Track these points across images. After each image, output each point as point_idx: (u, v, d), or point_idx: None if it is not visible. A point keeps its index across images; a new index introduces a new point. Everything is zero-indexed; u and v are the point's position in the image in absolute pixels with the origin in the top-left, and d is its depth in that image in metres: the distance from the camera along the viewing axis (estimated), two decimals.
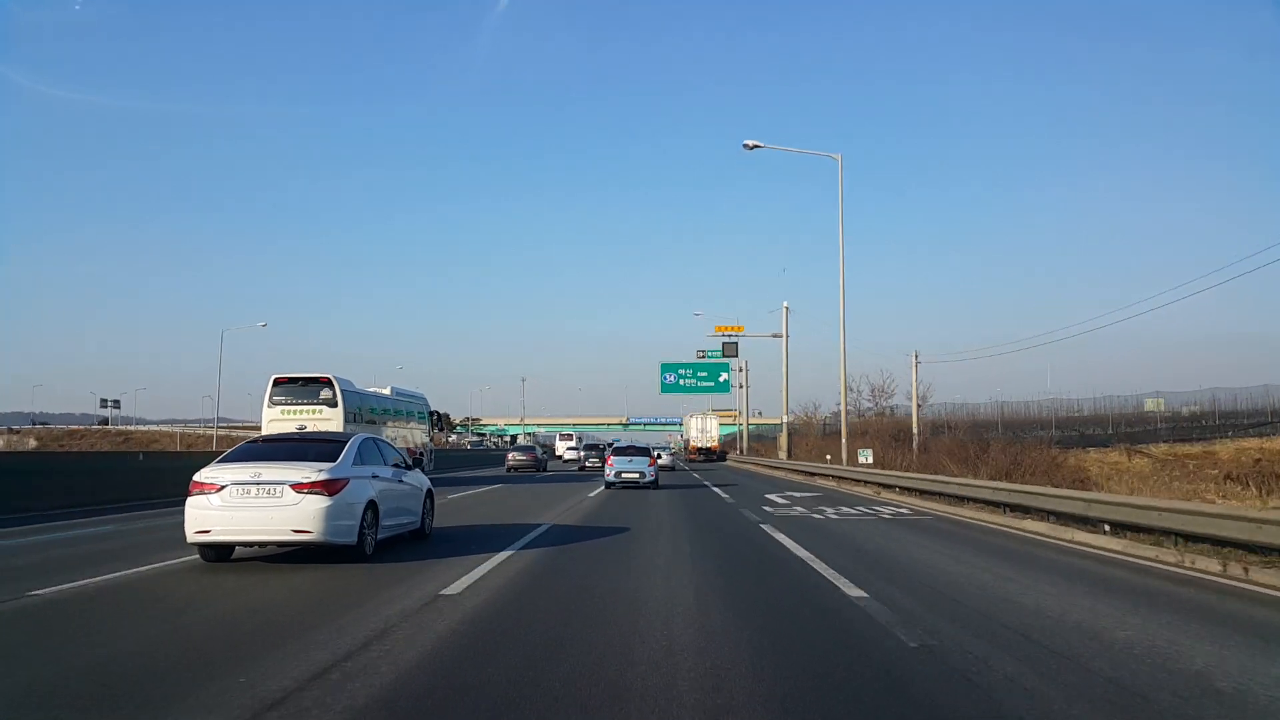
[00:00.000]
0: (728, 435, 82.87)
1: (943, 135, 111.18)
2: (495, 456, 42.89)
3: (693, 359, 50.53)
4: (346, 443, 7.23)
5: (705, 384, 51.30)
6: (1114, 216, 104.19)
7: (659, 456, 23.77)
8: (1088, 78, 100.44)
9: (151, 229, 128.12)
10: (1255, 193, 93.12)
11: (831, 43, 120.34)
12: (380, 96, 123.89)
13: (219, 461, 6.89)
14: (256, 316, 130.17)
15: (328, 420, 17.63)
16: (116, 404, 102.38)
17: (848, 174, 27.53)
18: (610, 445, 44.70)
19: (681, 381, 51.01)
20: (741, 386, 51.96)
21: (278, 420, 17.81)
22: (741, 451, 50.93)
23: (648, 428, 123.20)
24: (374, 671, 3.64)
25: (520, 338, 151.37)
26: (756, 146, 25.69)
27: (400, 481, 7.93)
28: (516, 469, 31.65)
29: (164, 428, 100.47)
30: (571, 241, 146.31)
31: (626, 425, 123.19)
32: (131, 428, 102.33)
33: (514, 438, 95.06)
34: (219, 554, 6.89)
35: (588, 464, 34.64)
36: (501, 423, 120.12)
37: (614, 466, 19.02)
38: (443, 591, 5.62)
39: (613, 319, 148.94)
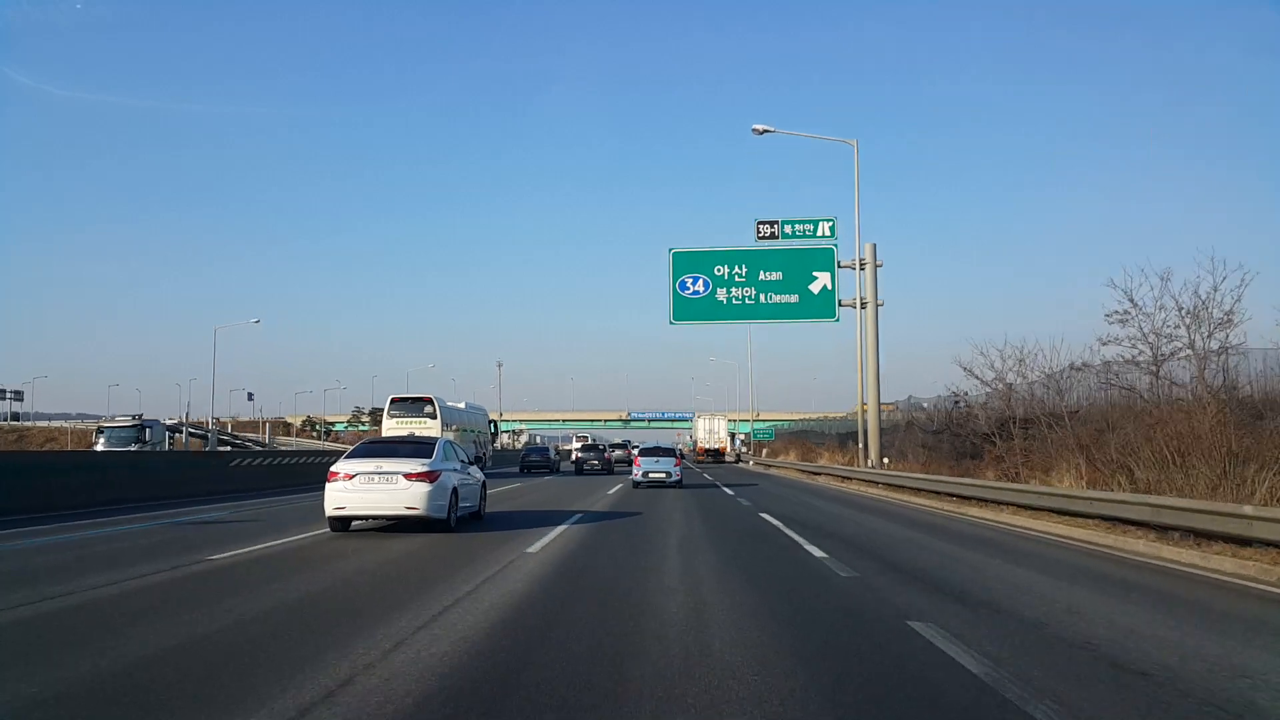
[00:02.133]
0: (767, 429, 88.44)
1: (956, 133, 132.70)
2: (506, 457, 48.58)
3: (751, 243, 28.48)
4: (435, 444, 12.11)
5: (779, 298, 28.02)
6: (1113, 216, 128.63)
7: (683, 458, 29.13)
8: (1086, 76, 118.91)
9: (143, 228, 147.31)
10: (1255, 193, 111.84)
11: (836, 41, 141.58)
12: (381, 97, 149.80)
13: (346, 458, 11.74)
14: (242, 314, 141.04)
15: (430, 428, 27.26)
16: (19, 396, 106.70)
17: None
18: (610, 445, 50.66)
19: (724, 295, 28.23)
20: (863, 305, 27.53)
21: (394, 428, 27.93)
22: (864, 461, 27.82)
23: (652, 424, 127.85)
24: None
25: (518, 333, 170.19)
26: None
27: (467, 474, 12.80)
28: (530, 468, 39.23)
29: (67, 423, 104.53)
30: (570, 239, 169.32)
31: (627, 422, 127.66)
32: (28, 424, 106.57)
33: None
34: (343, 525, 11.72)
35: (586, 466, 38.22)
36: None
37: (641, 466, 24.32)
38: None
39: (610, 316, 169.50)
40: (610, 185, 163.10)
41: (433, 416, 30.22)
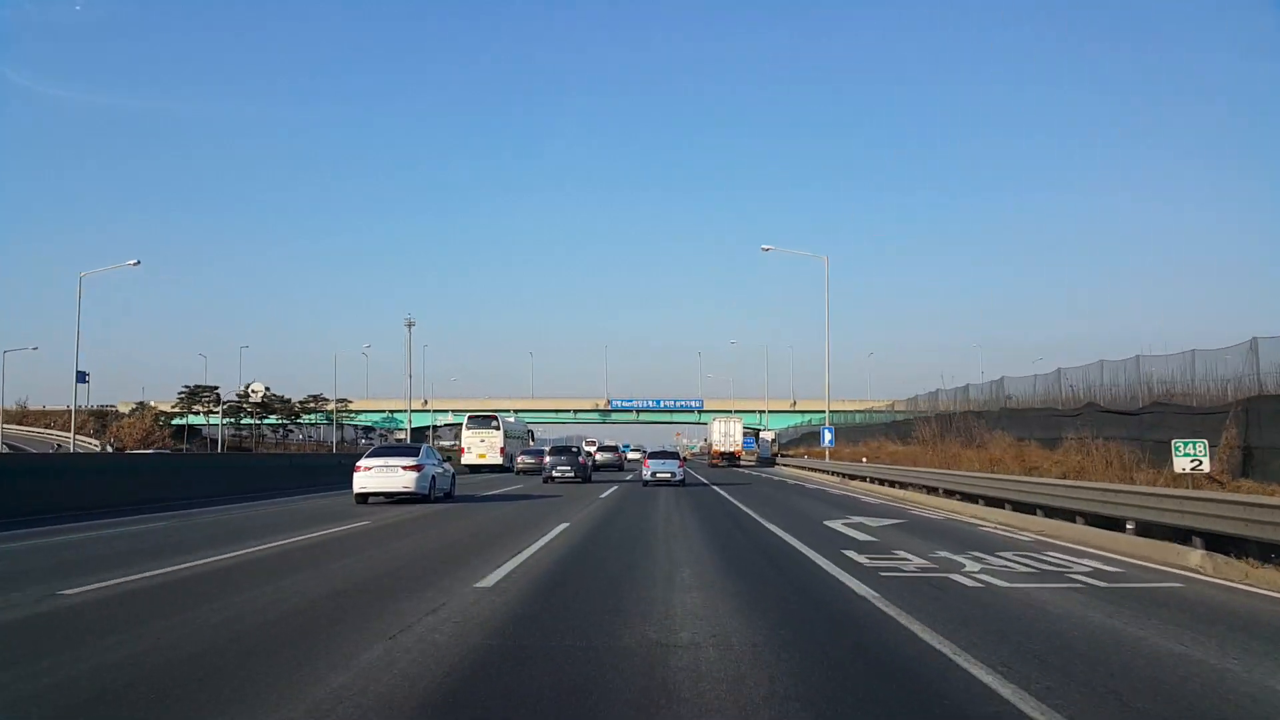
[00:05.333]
0: (783, 430, 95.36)
1: (948, 137, 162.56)
2: None
3: None
4: (421, 447, 25.19)
5: None
6: (1116, 218, 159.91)
7: (685, 460, 46.08)
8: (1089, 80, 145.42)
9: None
10: (1255, 193, 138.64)
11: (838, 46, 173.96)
12: (381, 98, 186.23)
13: (366, 457, 24.83)
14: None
15: (496, 437, 52.39)
16: None
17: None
18: (598, 446, 67.24)
19: None
20: None
21: (471, 438, 58.61)
22: None
23: (641, 415, 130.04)
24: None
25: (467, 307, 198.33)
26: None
27: (443, 468, 25.73)
28: (525, 471, 48.91)
29: None
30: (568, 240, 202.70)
31: (607, 413, 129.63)
32: None
33: (404, 434, 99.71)
34: (363, 499, 24.52)
35: (555, 472, 41.00)
36: (390, 408, 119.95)
37: (650, 467, 38.59)
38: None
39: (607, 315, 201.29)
40: (610, 188, 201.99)
41: (497, 428, 58.89)
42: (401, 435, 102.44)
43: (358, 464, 25.09)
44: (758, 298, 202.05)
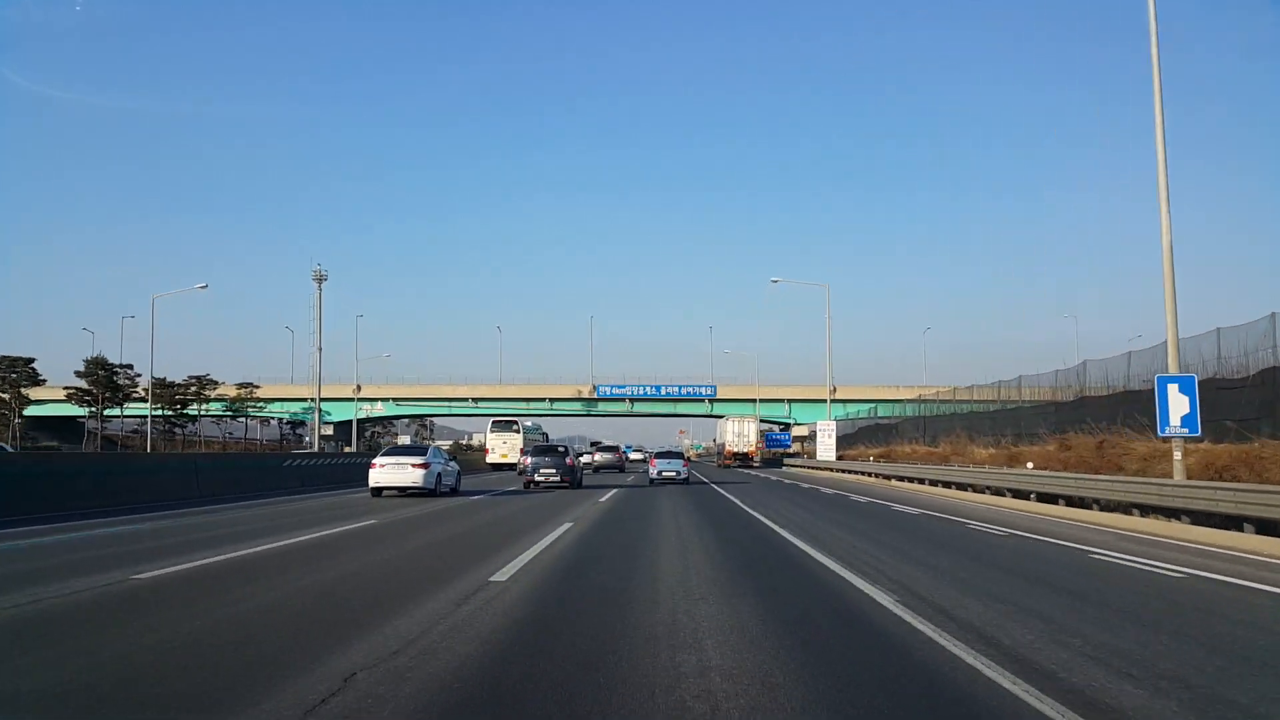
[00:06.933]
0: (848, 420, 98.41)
1: (948, 138, 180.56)
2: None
3: None
4: (429, 448, 31.91)
5: None
6: (1121, 218, 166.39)
7: (690, 460, 58.60)
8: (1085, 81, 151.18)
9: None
10: (1255, 193, 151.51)
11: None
12: (382, 99, 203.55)
13: (381, 455, 31.63)
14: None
15: (517, 439, 73.46)
16: None
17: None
18: (599, 447, 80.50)
19: None
20: None
21: (495, 440, 77.20)
22: None
23: (635, 405, 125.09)
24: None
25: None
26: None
27: (448, 467, 32.84)
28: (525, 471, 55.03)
29: None
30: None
31: (592, 403, 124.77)
32: None
33: (311, 432, 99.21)
34: (378, 493, 31.13)
35: (538, 476, 38.52)
36: (309, 396, 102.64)
37: (657, 466, 46.19)
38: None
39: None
40: (609, 187, 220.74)
41: (517, 431, 75.09)
42: (328, 431, 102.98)
43: (372, 462, 32.24)
44: (774, 271, 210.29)
